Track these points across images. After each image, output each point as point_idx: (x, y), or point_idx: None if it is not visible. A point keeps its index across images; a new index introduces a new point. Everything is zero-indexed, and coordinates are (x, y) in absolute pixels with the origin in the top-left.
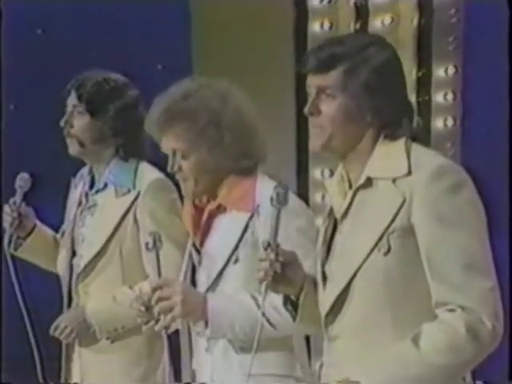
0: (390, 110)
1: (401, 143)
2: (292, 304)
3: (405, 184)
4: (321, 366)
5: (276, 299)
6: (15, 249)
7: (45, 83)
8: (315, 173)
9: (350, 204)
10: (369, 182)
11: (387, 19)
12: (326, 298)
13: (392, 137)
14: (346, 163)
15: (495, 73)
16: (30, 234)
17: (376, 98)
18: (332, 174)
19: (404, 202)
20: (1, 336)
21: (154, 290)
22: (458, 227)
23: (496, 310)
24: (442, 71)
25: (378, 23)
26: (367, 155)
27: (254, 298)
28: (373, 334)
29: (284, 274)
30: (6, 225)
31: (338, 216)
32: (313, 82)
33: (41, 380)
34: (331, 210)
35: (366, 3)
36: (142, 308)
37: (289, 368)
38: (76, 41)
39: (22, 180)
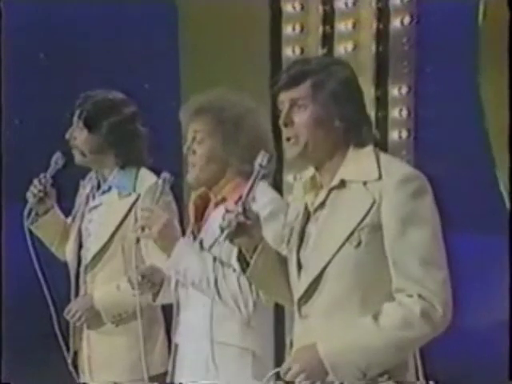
0: (354, 117)
1: (369, 150)
2: (246, 262)
3: (375, 187)
4: (291, 344)
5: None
6: (30, 223)
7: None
8: (288, 177)
9: (324, 201)
10: (342, 183)
11: (349, 46)
12: (301, 283)
13: (359, 144)
14: (320, 170)
15: (445, 90)
16: (46, 213)
17: (342, 106)
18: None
19: (374, 202)
20: (1, 336)
21: (145, 209)
22: (418, 227)
23: (447, 298)
24: (396, 91)
25: (341, 49)
26: (339, 163)
27: (215, 260)
28: (342, 315)
29: (245, 229)
30: (29, 196)
31: (312, 210)
32: (285, 96)
33: (69, 360)
34: (306, 205)
35: (332, 32)
36: (139, 278)
37: (247, 341)
38: (70, 61)
39: (59, 158)
